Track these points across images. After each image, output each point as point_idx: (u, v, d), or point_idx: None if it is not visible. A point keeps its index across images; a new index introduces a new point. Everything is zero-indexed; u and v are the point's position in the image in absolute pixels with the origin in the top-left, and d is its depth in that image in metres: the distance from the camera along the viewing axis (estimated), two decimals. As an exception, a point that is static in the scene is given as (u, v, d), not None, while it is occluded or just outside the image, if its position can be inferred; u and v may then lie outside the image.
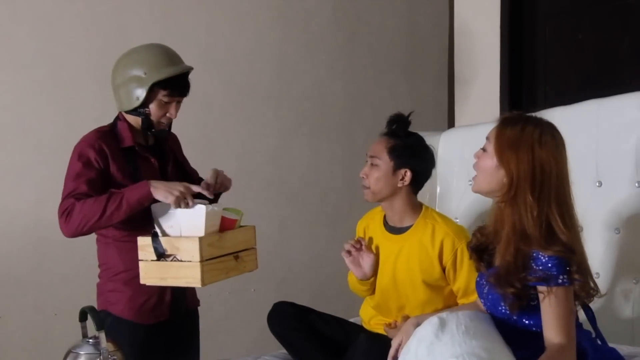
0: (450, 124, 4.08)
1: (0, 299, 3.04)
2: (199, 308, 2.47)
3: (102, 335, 1.71)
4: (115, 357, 1.74)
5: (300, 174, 3.79)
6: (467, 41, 4.01)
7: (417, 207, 2.35)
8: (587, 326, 1.88)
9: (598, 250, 2.48)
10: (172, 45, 2.31)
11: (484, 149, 1.81)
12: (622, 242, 2.44)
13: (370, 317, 2.43)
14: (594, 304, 2.36)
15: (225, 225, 2.19)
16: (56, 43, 3.14)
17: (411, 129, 2.38)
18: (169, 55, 2.22)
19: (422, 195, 2.97)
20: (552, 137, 1.74)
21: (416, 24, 4.13)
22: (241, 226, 2.29)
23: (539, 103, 3.54)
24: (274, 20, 3.70)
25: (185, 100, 2.30)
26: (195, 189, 2.10)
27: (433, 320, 1.76)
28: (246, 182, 3.62)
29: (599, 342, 1.85)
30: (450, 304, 2.30)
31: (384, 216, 2.39)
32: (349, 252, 2.33)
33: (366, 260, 2.32)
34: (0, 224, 3.04)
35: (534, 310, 1.71)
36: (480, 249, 1.88)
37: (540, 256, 1.67)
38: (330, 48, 3.86)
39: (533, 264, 1.67)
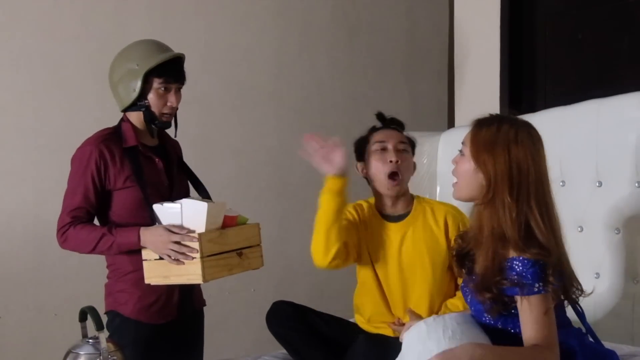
0: (450, 124, 4.08)
1: (0, 299, 3.04)
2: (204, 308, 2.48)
3: (102, 335, 1.71)
4: (115, 357, 1.74)
5: (300, 174, 3.79)
6: (467, 41, 4.01)
7: (410, 194, 2.42)
8: (577, 324, 1.87)
9: (598, 250, 2.48)
10: (172, 45, 2.31)
11: (461, 153, 1.79)
12: (622, 242, 2.43)
13: (368, 317, 2.42)
14: (595, 304, 2.37)
15: (226, 222, 2.20)
16: (56, 43, 3.14)
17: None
18: (158, 45, 2.24)
19: (422, 195, 2.97)
20: (528, 135, 1.72)
21: (416, 24, 4.13)
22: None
23: (539, 103, 3.53)
24: (273, 20, 3.70)
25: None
26: (176, 237, 2.07)
27: (420, 327, 1.76)
28: (246, 182, 3.63)
29: (591, 338, 1.84)
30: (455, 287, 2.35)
31: (375, 207, 2.40)
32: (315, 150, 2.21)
33: (337, 154, 2.18)
34: (0, 224, 3.04)
35: (517, 318, 1.69)
36: (462, 254, 1.86)
37: (514, 265, 1.65)
38: (330, 48, 3.86)
39: (509, 271, 1.65)
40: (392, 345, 2.18)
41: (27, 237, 3.08)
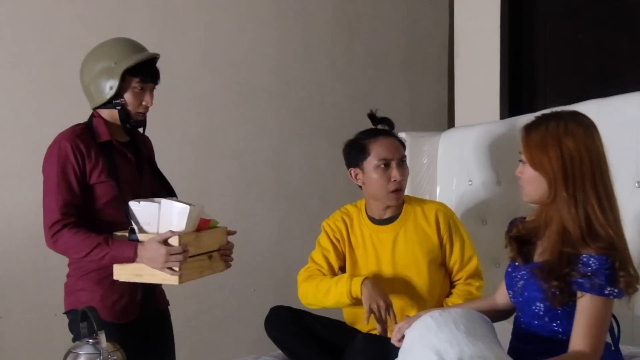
0: (450, 124, 4.08)
1: (0, 299, 3.04)
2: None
3: (102, 335, 1.71)
4: (115, 357, 1.74)
5: (300, 174, 3.79)
6: (467, 41, 4.01)
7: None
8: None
9: (598, 250, 2.47)
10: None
11: (522, 162, 1.78)
12: (622, 242, 2.43)
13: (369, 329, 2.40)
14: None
15: (200, 225, 2.20)
16: (56, 43, 3.14)
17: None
18: (134, 44, 2.24)
19: (422, 196, 2.97)
20: (578, 124, 1.70)
21: (416, 24, 4.13)
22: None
23: (539, 103, 3.53)
24: (273, 20, 3.70)
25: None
26: (172, 241, 2.07)
27: (426, 320, 1.73)
28: (246, 182, 3.63)
29: (619, 356, 1.82)
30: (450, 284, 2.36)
31: (365, 212, 2.42)
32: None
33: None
34: (0, 224, 3.04)
35: (566, 317, 1.67)
36: (521, 240, 1.82)
37: (591, 262, 1.62)
38: (330, 48, 3.86)
39: (581, 267, 1.63)
40: (391, 344, 2.18)
41: (27, 237, 3.07)
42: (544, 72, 3.59)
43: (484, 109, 3.60)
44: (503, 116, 3.39)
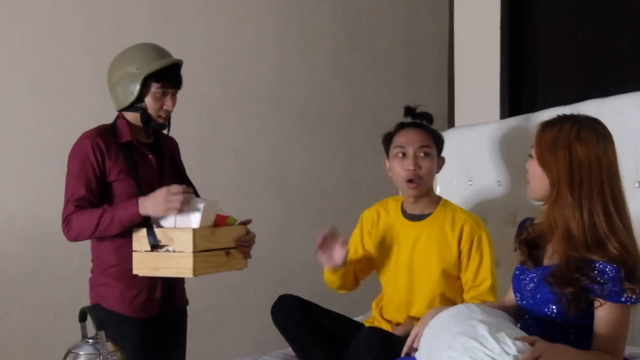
0: (450, 124, 4.08)
1: (0, 299, 3.04)
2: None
3: (102, 335, 1.71)
4: (115, 357, 1.74)
5: (300, 174, 3.79)
6: (467, 41, 4.01)
7: (437, 197, 2.44)
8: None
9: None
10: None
11: (530, 156, 1.79)
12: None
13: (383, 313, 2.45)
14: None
15: (217, 222, 2.24)
16: (56, 43, 3.14)
17: None
18: (158, 50, 2.29)
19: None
20: (591, 132, 1.69)
21: (416, 24, 4.13)
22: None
23: (539, 103, 3.53)
24: (273, 20, 3.70)
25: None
26: (176, 188, 2.13)
27: (451, 310, 1.73)
28: (246, 182, 3.63)
29: None
30: (462, 300, 2.33)
31: (401, 205, 2.43)
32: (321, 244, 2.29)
33: (339, 254, 2.30)
34: (0, 224, 3.04)
35: (579, 319, 1.67)
36: (530, 244, 1.83)
37: (607, 269, 1.61)
38: (330, 48, 3.86)
39: (597, 275, 1.62)
40: (397, 337, 2.19)
41: (27, 237, 3.08)
42: (544, 72, 3.59)
43: (484, 109, 3.60)
44: (503, 116, 3.39)
